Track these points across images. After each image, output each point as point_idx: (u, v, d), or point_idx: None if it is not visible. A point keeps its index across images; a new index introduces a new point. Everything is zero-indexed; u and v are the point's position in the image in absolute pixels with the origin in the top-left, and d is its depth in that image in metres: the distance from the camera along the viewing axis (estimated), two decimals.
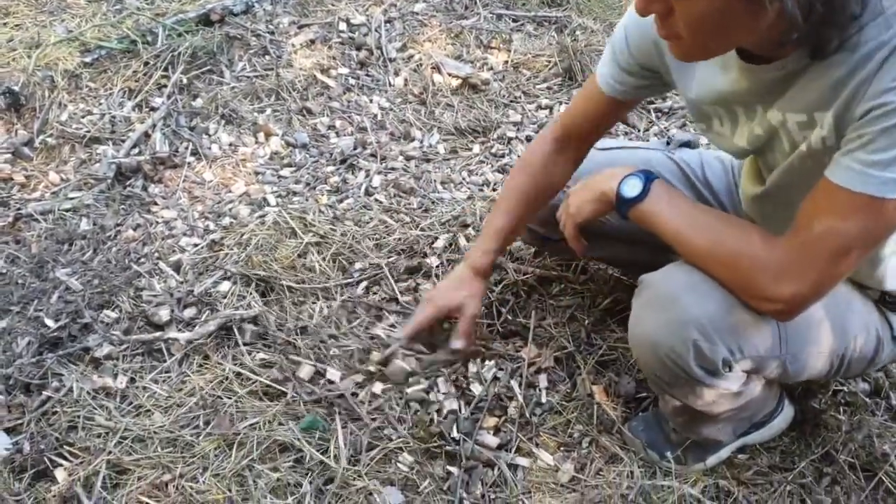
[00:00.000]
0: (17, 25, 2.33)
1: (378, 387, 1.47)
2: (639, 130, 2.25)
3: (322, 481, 1.31)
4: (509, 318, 1.62)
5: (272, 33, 2.44)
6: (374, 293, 1.68)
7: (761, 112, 1.06)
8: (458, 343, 1.47)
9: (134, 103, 2.15)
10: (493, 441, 1.39)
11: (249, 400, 1.43)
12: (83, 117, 2.09)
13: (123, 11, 2.41)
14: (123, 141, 2.03)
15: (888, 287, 1.19)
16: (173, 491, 1.28)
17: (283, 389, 1.45)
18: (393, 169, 2.06)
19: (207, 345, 1.53)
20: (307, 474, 1.32)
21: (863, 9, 0.88)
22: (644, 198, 1.14)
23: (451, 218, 1.88)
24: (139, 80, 2.20)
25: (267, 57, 2.36)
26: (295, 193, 1.95)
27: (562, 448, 1.42)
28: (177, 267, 1.71)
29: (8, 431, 1.37)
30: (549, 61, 2.48)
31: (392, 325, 1.59)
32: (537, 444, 1.41)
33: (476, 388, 1.46)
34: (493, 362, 1.51)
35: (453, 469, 1.35)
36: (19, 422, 1.38)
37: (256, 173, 2.01)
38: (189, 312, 1.60)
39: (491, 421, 1.43)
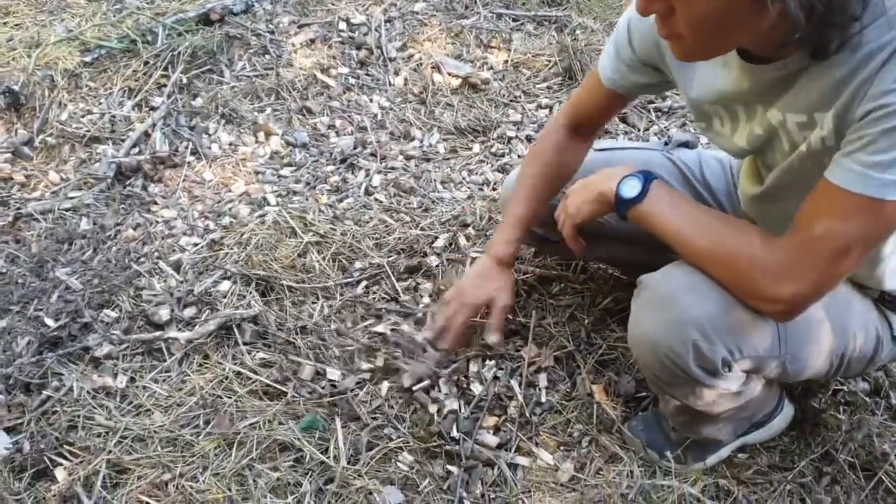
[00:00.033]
0: (17, 25, 2.34)
1: (384, 387, 1.47)
2: (639, 130, 2.25)
3: (322, 481, 1.31)
4: (509, 317, 1.61)
5: (272, 33, 2.44)
6: (374, 293, 1.68)
7: (761, 112, 1.06)
8: (494, 338, 1.46)
9: (134, 103, 2.15)
10: (492, 440, 1.39)
11: (249, 399, 1.43)
12: (83, 117, 2.10)
13: (123, 11, 2.42)
14: (123, 140, 2.03)
15: (887, 287, 1.19)
16: (173, 490, 1.28)
17: (283, 389, 1.45)
18: (393, 168, 2.06)
19: (207, 344, 1.53)
20: (307, 474, 1.32)
21: (863, 9, 0.88)
22: (643, 198, 1.14)
23: (451, 217, 1.88)
24: (139, 79, 2.20)
25: (267, 56, 2.36)
26: (295, 193, 1.95)
27: (561, 447, 1.42)
28: (177, 266, 1.71)
29: (8, 431, 1.37)
30: (549, 61, 2.48)
31: (395, 324, 1.59)
32: (537, 444, 1.41)
33: (476, 388, 1.47)
34: (493, 362, 1.51)
35: (453, 468, 1.35)
36: (19, 421, 1.38)
37: (256, 173, 2.01)
38: (189, 312, 1.60)
39: (491, 420, 1.43)
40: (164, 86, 2.19)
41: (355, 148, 2.11)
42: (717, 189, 1.44)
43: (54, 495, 1.28)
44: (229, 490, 1.29)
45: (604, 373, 1.53)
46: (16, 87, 2.05)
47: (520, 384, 1.48)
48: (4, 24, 2.33)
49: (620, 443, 1.42)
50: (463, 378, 1.48)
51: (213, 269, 1.70)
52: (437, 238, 1.81)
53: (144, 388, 1.46)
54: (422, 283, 1.70)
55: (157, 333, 1.54)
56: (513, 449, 1.39)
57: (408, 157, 2.10)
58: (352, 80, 2.34)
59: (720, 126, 1.16)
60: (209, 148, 2.07)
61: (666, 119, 2.31)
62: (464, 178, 2.06)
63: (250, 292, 1.64)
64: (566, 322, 1.61)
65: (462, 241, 1.80)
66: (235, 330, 1.55)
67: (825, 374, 1.24)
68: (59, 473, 1.31)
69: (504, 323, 1.47)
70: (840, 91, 0.92)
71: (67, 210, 1.84)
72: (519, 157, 2.12)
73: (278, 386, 1.46)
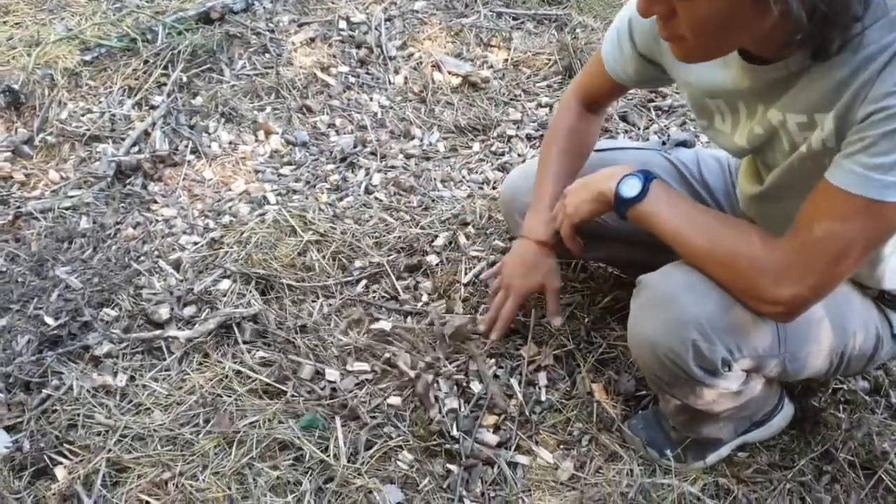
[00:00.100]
0: (16, 24, 2.33)
1: (388, 389, 1.46)
2: (638, 128, 2.25)
3: (322, 479, 1.31)
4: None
5: (272, 31, 2.43)
6: (374, 291, 1.68)
7: (762, 111, 1.05)
8: (557, 321, 1.51)
9: (134, 101, 2.15)
10: (492, 439, 1.39)
11: (249, 398, 1.44)
12: (83, 115, 2.09)
13: (123, 10, 2.41)
14: (123, 139, 2.03)
15: (887, 286, 1.19)
16: (173, 489, 1.28)
17: (283, 388, 1.45)
18: (393, 167, 2.06)
19: (207, 343, 1.53)
20: (307, 472, 1.32)
21: (865, 10, 0.87)
22: (643, 198, 1.14)
23: (451, 216, 1.88)
24: (139, 78, 2.20)
25: (267, 55, 2.36)
26: (295, 191, 1.95)
27: (561, 446, 1.42)
28: (176, 265, 1.71)
29: (8, 429, 1.37)
30: (550, 59, 2.47)
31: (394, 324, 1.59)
32: (537, 442, 1.42)
33: (476, 386, 1.47)
34: (492, 360, 1.51)
35: (453, 467, 1.35)
36: (19, 420, 1.38)
37: (256, 171, 2.01)
38: (189, 311, 1.60)
39: (490, 419, 1.43)
40: (164, 84, 2.18)
41: (355, 146, 2.10)
42: (716, 188, 1.44)
43: (54, 494, 1.28)
44: (229, 489, 1.29)
45: (604, 371, 1.53)
46: (16, 86, 2.05)
47: (519, 383, 1.48)
48: (4, 22, 2.33)
49: (620, 441, 1.42)
50: (463, 377, 1.48)
51: (213, 267, 1.70)
52: (436, 237, 1.81)
53: (144, 386, 1.46)
54: (422, 281, 1.70)
55: (157, 332, 1.54)
56: (513, 447, 1.39)
57: (408, 156, 2.10)
58: (352, 79, 2.34)
59: (721, 123, 1.16)
60: (209, 147, 2.06)
61: (666, 118, 2.31)
62: (464, 177, 2.05)
63: (250, 291, 1.64)
64: (566, 320, 1.61)
65: (462, 239, 1.80)
66: (235, 329, 1.55)
67: (825, 373, 1.24)
68: (59, 472, 1.31)
69: (559, 304, 1.51)
70: (841, 92, 0.92)
71: (67, 209, 1.84)
72: (519, 155, 2.12)
73: (278, 385, 1.46)
